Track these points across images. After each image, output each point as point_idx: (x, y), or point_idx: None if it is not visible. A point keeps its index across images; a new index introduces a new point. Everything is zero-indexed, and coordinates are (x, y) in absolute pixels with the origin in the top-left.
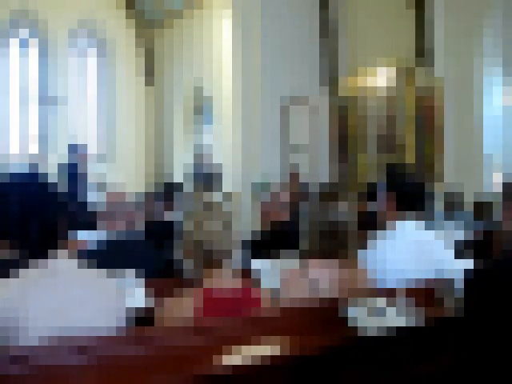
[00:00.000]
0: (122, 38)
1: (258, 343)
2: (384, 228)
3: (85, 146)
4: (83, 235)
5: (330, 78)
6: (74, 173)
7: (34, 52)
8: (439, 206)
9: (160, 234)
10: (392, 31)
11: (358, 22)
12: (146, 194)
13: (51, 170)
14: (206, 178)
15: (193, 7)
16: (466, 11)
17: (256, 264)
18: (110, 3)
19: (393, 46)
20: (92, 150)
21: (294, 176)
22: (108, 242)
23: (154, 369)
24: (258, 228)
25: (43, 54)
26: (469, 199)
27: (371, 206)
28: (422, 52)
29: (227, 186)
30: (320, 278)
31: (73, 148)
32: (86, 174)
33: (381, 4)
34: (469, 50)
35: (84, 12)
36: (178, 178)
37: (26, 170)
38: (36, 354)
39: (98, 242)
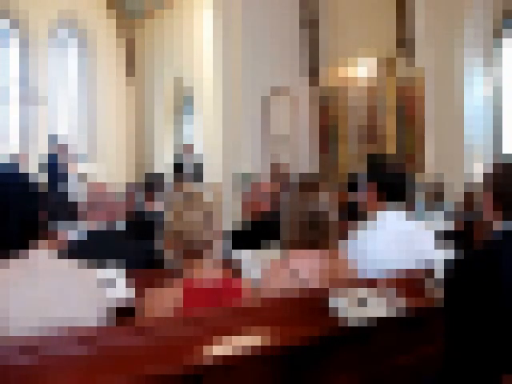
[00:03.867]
0: (103, 34)
1: (239, 334)
2: (365, 218)
3: (66, 145)
4: (64, 229)
5: (311, 68)
6: (55, 171)
7: (14, 50)
8: (420, 196)
9: (141, 225)
10: (373, 22)
11: (339, 13)
12: (127, 185)
13: (32, 169)
14: (188, 170)
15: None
16: (446, 1)
17: (237, 254)
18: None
19: (374, 37)
20: (73, 148)
21: (276, 166)
22: (89, 234)
23: (138, 360)
24: (240, 219)
25: (24, 52)
26: (451, 189)
27: (353, 197)
28: (403, 42)
29: (209, 177)
30: (302, 268)
31: (54, 147)
32: (66, 173)
33: None
34: (450, 40)
35: (65, 9)
36: (159, 170)
37: (7, 169)
38: (17, 353)
39: (79, 235)
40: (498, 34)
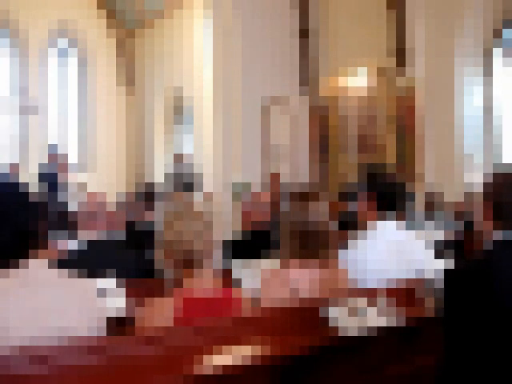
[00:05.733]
0: (102, 44)
1: (238, 344)
2: (364, 228)
3: (65, 155)
4: (63, 239)
5: (310, 78)
6: (53, 180)
7: (14, 60)
8: (419, 206)
9: (140, 235)
10: (371, 32)
11: (338, 23)
12: (126, 194)
13: (31, 179)
14: (186, 180)
15: (172, 10)
16: (445, 11)
17: (236, 264)
18: (89, 7)
19: (372, 47)
20: (72, 158)
21: (275, 176)
22: (88, 244)
23: (136, 370)
24: (239, 228)
25: (23, 62)
26: (449, 199)
27: (351, 206)
28: (402, 52)
29: (207, 187)
30: (300, 278)
31: (53, 156)
32: (65, 183)
33: (360, 5)
34: (448, 50)
35: (64, 19)
36: (157, 180)
37: (5, 179)
38: (7, 364)
39: (78, 245)
40: (497, 34)
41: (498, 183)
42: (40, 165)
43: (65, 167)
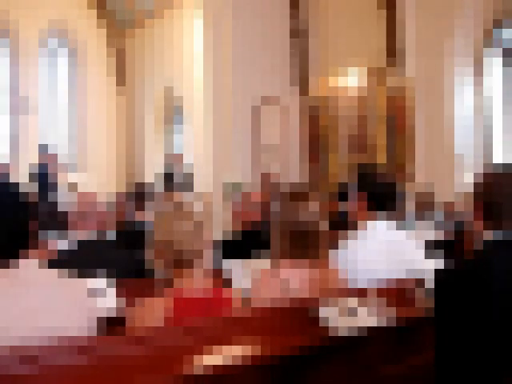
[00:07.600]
0: (94, 43)
1: (229, 344)
2: (355, 228)
3: (56, 154)
4: (54, 239)
5: (301, 78)
6: (45, 180)
7: (4, 60)
8: (410, 205)
9: (131, 235)
10: (363, 31)
11: (329, 23)
12: (118, 194)
13: (22, 179)
14: (177, 178)
15: (166, 10)
16: (436, 11)
17: (227, 264)
18: (82, 7)
19: (364, 47)
20: (63, 157)
21: (266, 176)
22: (79, 244)
23: (126, 370)
24: (230, 229)
25: (14, 62)
26: (440, 199)
27: (342, 206)
28: (393, 52)
29: (198, 186)
30: (292, 277)
31: (44, 156)
32: (56, 183)
33: (352, 4)
34: (440, 49)
35: (55, 19)
36: (149, 180)
37: None
38: (16, 363)
39: (69, 244)
40: (490, 34)
41: (488, 183)
42: (31, 165)
43: (56, 167)
